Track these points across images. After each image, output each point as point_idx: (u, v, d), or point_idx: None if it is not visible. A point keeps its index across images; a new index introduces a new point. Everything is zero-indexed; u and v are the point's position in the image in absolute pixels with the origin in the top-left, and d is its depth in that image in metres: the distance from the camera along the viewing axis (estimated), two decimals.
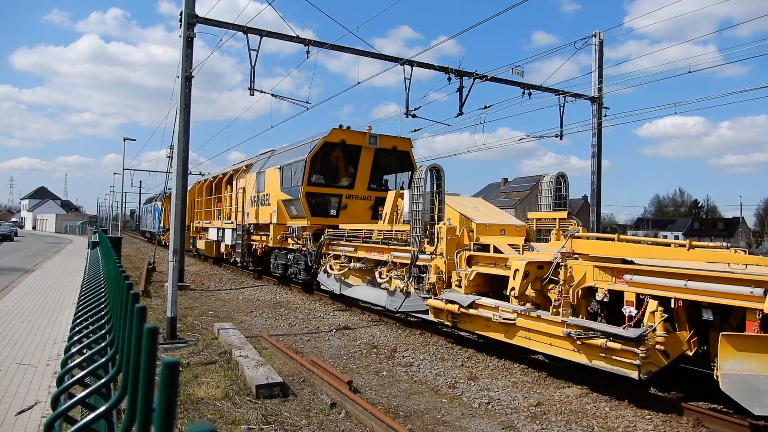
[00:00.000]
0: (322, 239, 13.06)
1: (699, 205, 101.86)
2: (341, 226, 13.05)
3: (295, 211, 14.61)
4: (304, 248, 13.83)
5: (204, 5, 66.53)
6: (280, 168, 15.59)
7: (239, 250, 18.57)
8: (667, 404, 6.09)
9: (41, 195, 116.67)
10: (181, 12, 12.94)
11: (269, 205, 16.23)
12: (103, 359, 2.06)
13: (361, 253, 11.65)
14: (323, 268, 12.97)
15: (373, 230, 11.61)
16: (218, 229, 21.87)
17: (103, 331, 2.50)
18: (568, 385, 7.01)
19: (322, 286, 13.38)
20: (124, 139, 45.18)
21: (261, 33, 15.92)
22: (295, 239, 14.18)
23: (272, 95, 17.06)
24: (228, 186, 21.92)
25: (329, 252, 12.96)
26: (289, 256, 15.13)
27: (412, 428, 5.49)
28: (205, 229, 24.25)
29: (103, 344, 2.26)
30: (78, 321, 3.05)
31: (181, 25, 12.51)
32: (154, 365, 1.07)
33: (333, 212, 14.53)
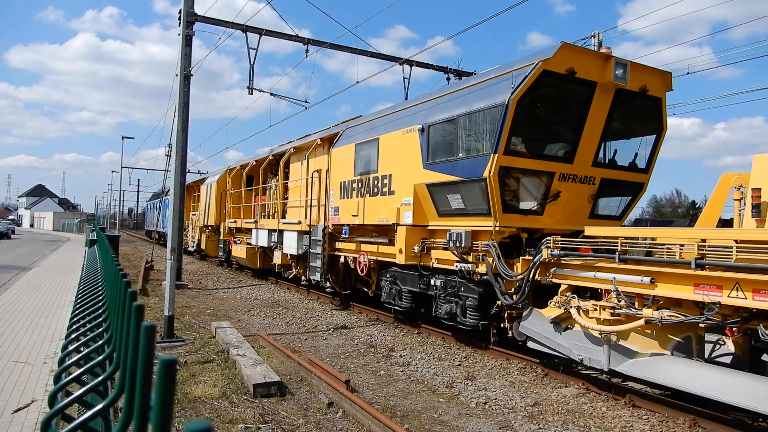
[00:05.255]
0: (538, 256, 7.14)
1: (696, 206, 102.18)
2: (588, 231, 6.95)
3: (462, 203, 8.56)
4: (478, 270, 8.15)
5: (202, 4, 66.83)
6: (422, 129, 9.21)
7: (317, 264, 12.53)
8: (664, 404, 6.11)
9: (39, 193, 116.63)
10: (180, 10, 12.94)
11: (390, 194, 10.16)
12: (101, 357, 2.07)
13: (675, 290, 5.65)
14: (551, 315, 7.00)
15: (711, 239, 5.80)
16: (271, 231, 15.93)
17: (100, 329, 2.50)
18: (566, 384, 7.02)
19: (531, 342, 7.40)
20: (123, 138, 45.23)
21: (260, 32, 15.95)
22: (460, 254, 8.31)
23: (271, 94, 17.10)
24: (285, 171, 15.83)
25: (559, 281, 7.04)
26: (436, 283, 9.11)
27: (409, 428, 5.50)
28: (245, 231, 18.57)
29: (100, 342, 2.26)
30: (75, 319, 3.05)
31: (179, 23, 12.48)
32: (151, 363, 1.07)
33: (533, 205, 8.22)
